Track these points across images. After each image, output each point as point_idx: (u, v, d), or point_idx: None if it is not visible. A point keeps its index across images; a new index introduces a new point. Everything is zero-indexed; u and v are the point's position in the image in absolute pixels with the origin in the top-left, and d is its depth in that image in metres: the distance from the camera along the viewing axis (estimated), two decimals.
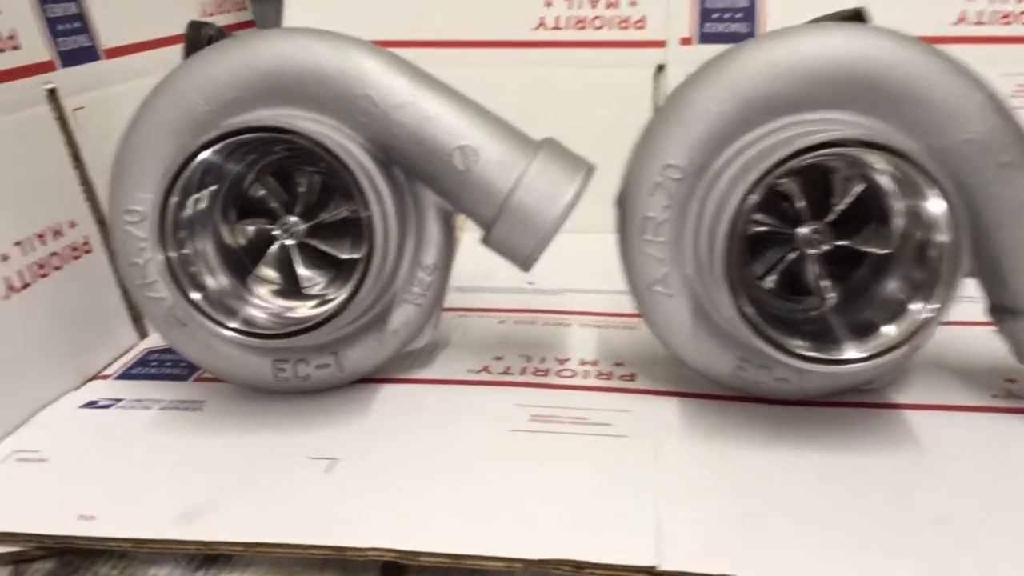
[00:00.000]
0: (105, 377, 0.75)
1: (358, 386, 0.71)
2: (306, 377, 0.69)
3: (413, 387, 0.72)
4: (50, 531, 0.55)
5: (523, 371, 0.73)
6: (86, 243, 0.78)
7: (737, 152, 0.60)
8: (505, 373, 0.73)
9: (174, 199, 0.61)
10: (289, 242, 0.68)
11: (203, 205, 0.65)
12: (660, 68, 1.07)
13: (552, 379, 0.72)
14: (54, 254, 0.74)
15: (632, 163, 0.65)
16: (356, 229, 0.65)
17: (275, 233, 0.68)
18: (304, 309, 0.69)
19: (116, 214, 0.66)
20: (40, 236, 0.73)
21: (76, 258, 0.76)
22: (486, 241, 0.68)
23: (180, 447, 0.64)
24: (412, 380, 0.73)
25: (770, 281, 0.66)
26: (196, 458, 0.62)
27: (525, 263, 0.67)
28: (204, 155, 0.60)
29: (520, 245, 0.65)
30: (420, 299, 0.69)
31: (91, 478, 0.61)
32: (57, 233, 0.75)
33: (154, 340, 0.83)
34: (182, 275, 0.62)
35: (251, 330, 0.62)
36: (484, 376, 0.73)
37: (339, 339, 0.68)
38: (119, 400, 0.71)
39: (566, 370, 0.74)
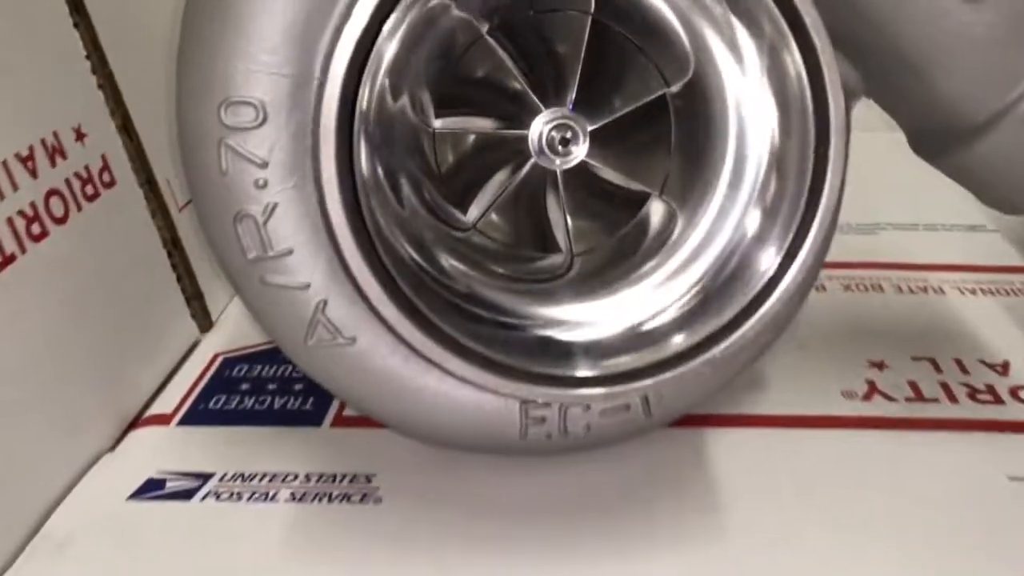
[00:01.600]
0: (163, 420, 0.42)
1: (666, 436, 0.38)
2: (582, 431, 0.35)
3: (771, 434, 0.39)
4: None
5: (948, 392, 0.40)
6: (105, 169, 0.43)
7: None
8: (918, 399, 0.41)
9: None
10: (560, 163, 0.34)
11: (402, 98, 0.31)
12: None
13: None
14: (54, 193, 0.39)
15: None
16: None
17: (531, 144, 0.33)
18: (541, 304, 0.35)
19: (199, 113, 0.31)
20: (26, 160, 0.38)
21: (91, 198, 0.41)
22: (951, 152, 0.34)
23: None
24: (757, 419, 0.40)
25: None
26: None
27: None
28: None
29: None
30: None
31: None
32: (57, 152, 0.40)
33: (227, 335, 0.48)
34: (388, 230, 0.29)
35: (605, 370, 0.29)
36: (883, 405, 0.41)
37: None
38: (205, 477, 0.37)
39: None
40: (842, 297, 0.51)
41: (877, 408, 0.41)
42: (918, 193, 0.60)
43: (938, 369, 0.44)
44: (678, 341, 0.32)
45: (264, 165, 0.32)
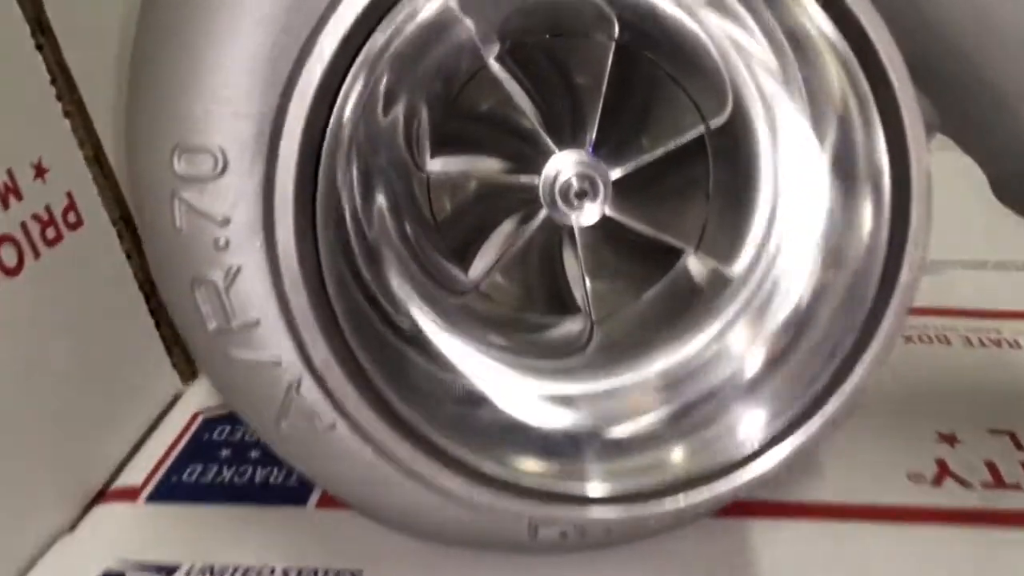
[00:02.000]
0: (130, 495, 0.37)
1: (705, 526, 0.33)
2: (602, 531, 0.30)
3: (825, 527, 0.34)
4: None
5: None
6: (71, 208, 0.38)
7: None
8: (997, 484, 0.36)
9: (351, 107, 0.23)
10: (576, 218, 0.28)
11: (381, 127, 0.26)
12: None
13: None
14: (5, 240, 0.35)
15: None
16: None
17: (542, 193, 0.28)
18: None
19: (148, 161, 0.26)
20: None
21: (52, 242, 0.37)
22: None
23: None
24: (809, 507, 0.34)
25: None
26: None
27: None
28: None
29: None
30: None
31: None
32: (11, 192, 0.35)
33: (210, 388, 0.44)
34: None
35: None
36: (956, 492, 0.36)
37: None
38: (169, 571, 0.33)
39: None
40: (903, 351, 0.45)
41: (949, 496, 0.35)
42: (986, 225, 0.54)
43: (1019, 445, 0.38)
44: (679, 459, 0.27)
45: (225, 222, 0.27)
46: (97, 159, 0.42)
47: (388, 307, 0.27)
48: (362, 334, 0.25)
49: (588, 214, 0.29)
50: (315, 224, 0.25)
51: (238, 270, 0.28)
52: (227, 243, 0.28)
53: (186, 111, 0.27)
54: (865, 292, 0.27)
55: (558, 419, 0.30)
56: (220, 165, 0.27)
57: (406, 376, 0.27)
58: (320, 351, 0.25)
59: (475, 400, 0.29)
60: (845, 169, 0.27)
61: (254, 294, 0.28)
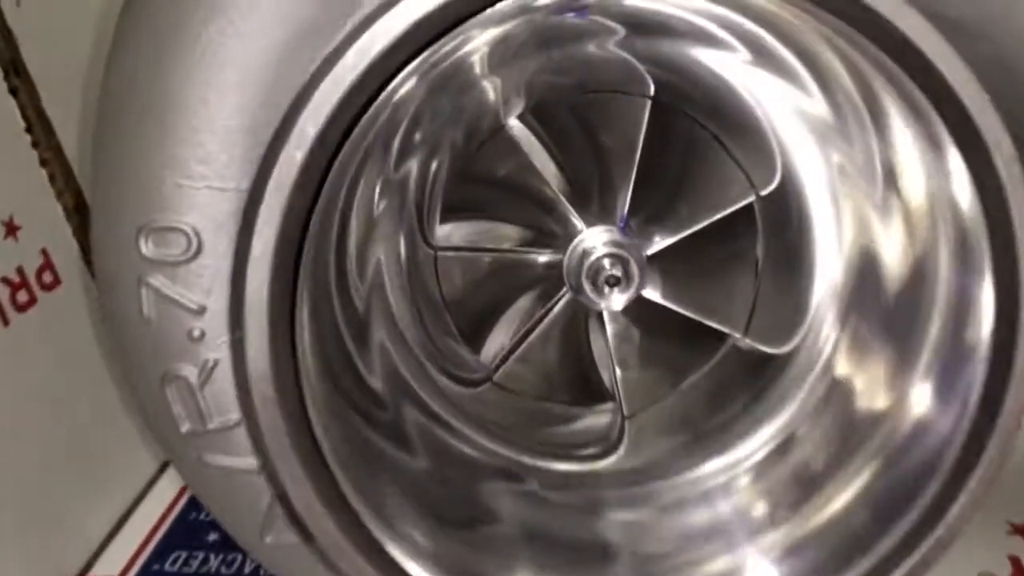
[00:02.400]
0: None
1: None
2: None
3: None
4: None
5: None
6: (46, 267, 0.35)
7: None
8: None
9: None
10: (606, 305, 0.24)
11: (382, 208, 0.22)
12: None
13: None
14: None
15: None
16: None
17: (567, 274, 0.24)
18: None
19: (113, 242, 0.22)
20: None
21: (24, 307, 0.33)
22: None
23: None
24: None
25: None
26: None
27: None
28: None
29: None
30: None
31: None
32: None
33: None
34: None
35: None
36: None
37: None
38: None
39: None
40: None
41: None
42: None
43: None
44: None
45: (200, 311, 0.24)
46: (78, 210, 0.39)
47: (388, 414, 0.24)
48: (349, 452, 0.22)
49: (619, 299, 0.26)
50: (294, 319, 0.22)
51: (215, 365, 0.24)
52: (202, 334, 0.24)
53: (155, 186, 0.23)
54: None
55: (585, 525, 0.26)
56: (193, 247, 0.23)
57: (400, 493, 0.23)
58: (298, 483, 0.21)
59: (485, 513, 0.25)
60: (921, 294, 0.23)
61: (233, 392, 0.24)
